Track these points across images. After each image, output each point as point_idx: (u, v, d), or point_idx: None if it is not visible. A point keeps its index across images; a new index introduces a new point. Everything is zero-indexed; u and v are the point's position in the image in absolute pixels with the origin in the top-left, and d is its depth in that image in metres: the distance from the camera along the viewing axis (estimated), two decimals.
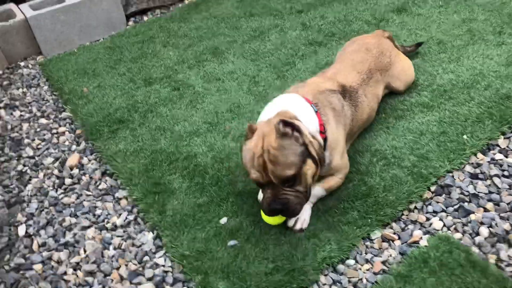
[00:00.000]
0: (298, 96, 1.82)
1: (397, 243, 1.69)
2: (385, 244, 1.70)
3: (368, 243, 1.71)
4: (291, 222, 1.75)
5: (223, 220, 1.81)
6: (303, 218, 1.76)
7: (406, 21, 2.86)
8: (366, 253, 1.68)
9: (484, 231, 1.66)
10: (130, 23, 3.54)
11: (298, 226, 1.74)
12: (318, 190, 1.79)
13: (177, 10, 3.40)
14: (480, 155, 1.94)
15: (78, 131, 2.48)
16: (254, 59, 2.73)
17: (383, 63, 2.14)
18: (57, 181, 2.19)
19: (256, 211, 1.80)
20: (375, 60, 2.12)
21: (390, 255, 1.66)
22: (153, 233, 1.86)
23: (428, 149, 1.97)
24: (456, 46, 2.55)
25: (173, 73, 2.72)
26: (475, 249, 1.60)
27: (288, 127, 1.62)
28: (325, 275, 1.62)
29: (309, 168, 1.62)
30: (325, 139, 1.76)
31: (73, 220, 1.97)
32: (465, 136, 2.00)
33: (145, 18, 3.59)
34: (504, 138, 1.99)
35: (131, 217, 1.94)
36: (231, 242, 1.72)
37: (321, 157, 1.68)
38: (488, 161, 1.91)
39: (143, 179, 2.03)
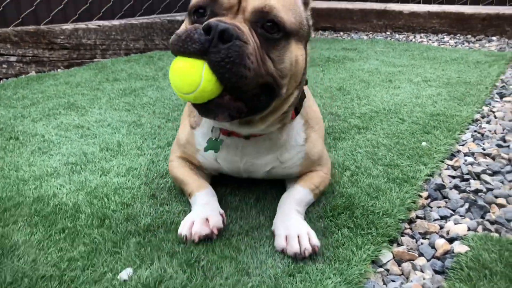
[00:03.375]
0: None
1: (421, 261, 1.06)
2: (405, 266, 1.05)
3: (380, 269, 1.04)
4: (292, 247, 0.99)
5: (126, 273, 0.93)
6: (305, 231, 1.03)
7: None
8: (386, 283, 1.00)
9: None
10: None
11: (314, 242, 1.01)
12: (302, 193, 1.12)
13: (11, 81, 2.59)
14: (448, 161, 1.55)
15: None
16: (129, 109, 2.07)
17: None
18: None
19: (183, 249, 1.00)
20: None
21: (423, 278, 1.01)
22: None
23: (392, 158, 1.51)
24: (357, 89, 2.36)
25: (6, 126, 1.84)
26: None
27: None
28: None
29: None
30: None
31: None
32: (423, 143, 1.62)
33: None
34: (459, 146, 1.68)
35: None
36: None
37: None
38: (464, 163, 1.53)
39: None
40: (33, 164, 1.47)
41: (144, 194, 1.25)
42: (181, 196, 1.25)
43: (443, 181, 1.41)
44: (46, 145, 1.64)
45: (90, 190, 1.26)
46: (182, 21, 3.67)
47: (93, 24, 3.17)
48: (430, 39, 3.93)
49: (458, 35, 3.99)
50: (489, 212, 1.24)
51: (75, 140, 1.70)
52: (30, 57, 2.82)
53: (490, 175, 1.45)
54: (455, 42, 3.74)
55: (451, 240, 1.13)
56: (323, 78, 2.65)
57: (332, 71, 2.80)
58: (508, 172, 1.47)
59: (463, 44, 3.68)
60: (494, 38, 3.78)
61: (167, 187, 1.30)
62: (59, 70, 2.92)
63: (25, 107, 2.09)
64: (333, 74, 2.72)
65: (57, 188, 1.28)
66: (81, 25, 3.10)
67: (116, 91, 2.36)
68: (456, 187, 1.36)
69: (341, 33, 4.50)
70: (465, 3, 4.26)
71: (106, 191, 1.25)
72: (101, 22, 3.27)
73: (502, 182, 1.41)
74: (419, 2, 4.48)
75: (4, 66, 2.72)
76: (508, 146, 1.65)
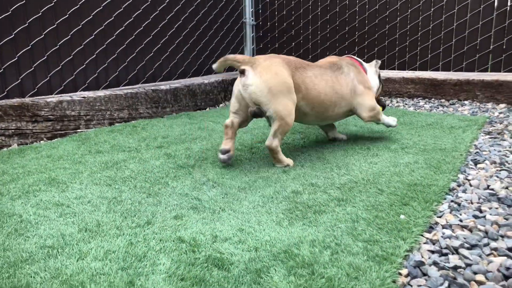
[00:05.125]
0: None
1: None
2: None
3: None
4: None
5: None
6: None
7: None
8: None
9: None
10: None
11: None
12: None
13: None
14: (427, 234, 1.57)
15: None
16: (110, 184, 2.07)
17: None
18: None
19: None
20: None
21: None
22: None
23: (371, 233, 1.52)
24: (337, 158, 2.41)
25: None
26: None
27: None
28: None
29: None
30: None
31: None
32: (402, 216, 1.65)
33: None
34: (437, 217, 1.71)
35: None
36: None
37: None
38: (442, 236, 1.54)
39: None
40: (8, 249, 1.44)
41: (121, 281, 1.22)
42: (158, 283, 1.23)
43: (422, 257, 1.42)
44: (23, 226, 1.62)
45: (66, 278, 1.24)
46: (166, 90, 3.76)
47: (77, 95, 3.23)
48: (406, 103, 4.08)
49: (433, 99, 4.16)
50: None
51: (53, 219, 1.68)
52: (13, 130, 2.84)
53: (468, 248, 1.47)
54: (430, 107, 3.89)
55: None
56: (303, 145, 2.71)
57: (312, 138, 2.87)
58: (485, 245, 1.49)
59: (438, 108, 3.83)
60: (466, 102, 3.95)
61: (145, 272, 1.28)
62: (42, 141, 2.94)
63: (5, 184, 2.08)
64: (313, 142, 2.78)
65: (31, 277, 1.25)
66: (66, 97, 3.16)
67: (98, 164, 2.37)
68: (435, 263, 1.37)
69: None
70: (437, 69, 4.48)
71: (82, 279, 1.23)
72: (86, 93, 3.33)
73: (480, 256, 1.42)
74: (394, 69, 4.70)
75: None
76: (484, 217, 1.68)
